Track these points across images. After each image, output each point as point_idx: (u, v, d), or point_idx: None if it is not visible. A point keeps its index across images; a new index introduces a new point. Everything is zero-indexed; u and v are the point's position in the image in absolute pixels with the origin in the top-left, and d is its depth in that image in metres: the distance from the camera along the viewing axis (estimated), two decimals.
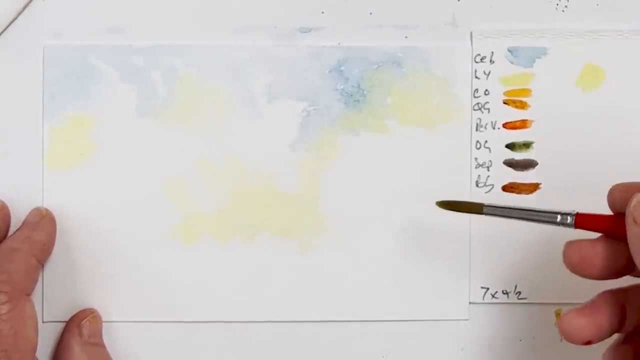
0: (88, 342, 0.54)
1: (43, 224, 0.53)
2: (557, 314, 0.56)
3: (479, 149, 0.55)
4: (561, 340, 0.56)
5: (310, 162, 0.55)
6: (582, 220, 0.47)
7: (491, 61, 0.55)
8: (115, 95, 0.55)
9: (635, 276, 0.47)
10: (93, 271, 0.55)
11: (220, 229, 0.55)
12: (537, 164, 0.55)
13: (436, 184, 0.55)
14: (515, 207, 0.48)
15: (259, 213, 0.55)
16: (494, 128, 0.55)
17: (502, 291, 0.55)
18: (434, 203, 0.50)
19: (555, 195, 0.55)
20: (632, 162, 0.55)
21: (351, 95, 0.55)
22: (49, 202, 0.54)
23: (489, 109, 0.55)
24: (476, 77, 0.55)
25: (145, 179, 0.55)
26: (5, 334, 0.49)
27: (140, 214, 0.55)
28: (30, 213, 0.54)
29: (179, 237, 0.55)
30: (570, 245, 0.47)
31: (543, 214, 0.47)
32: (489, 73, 0.55)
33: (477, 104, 0.55)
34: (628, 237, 0.44)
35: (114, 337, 0.55)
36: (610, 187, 0.47)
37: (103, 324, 0.55)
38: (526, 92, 0.55)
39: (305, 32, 0.55)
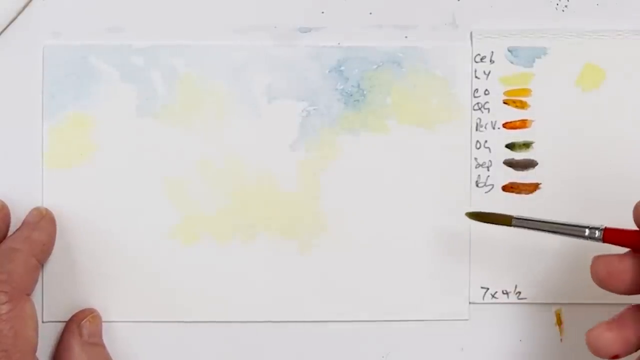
0: (88, 342, 0.54)
1: (43, 224, 0.53)
2: (557, 314, 0.56)
3: (479, 149, 0.55)
4: (561, 340, 0.56)
5: (310, 162, 0.55)
6: (610, 235, 0.47)
7: (491, 61, 0.55)
8: (115, 95, 0.55)
9: None
10: (93, 271, 0.55)
11: (220, 229, 0.55)
12: (537, 164, 0.55)
13: (436, 184, 0.55)
14: (543, 220, 0.49)
15: (259, 213, 0.55)
16: (494, 128, 0.55)
17: (502, 291, 0.55)
18: (464, 214, 0.51)
19: (555, 195, 0.55)
20: (632, 162, 0.55)
21: (351, 95, 0.55)
22: (49, 202, 0.54)
23: (489, 109, 0.55)
24: (476, 77, 0.55)
25: (145, 179, 0.55)
26: (5, 334, 0.49)
27: (140, 213, 0.55)
28: (30, 213, 0.54)
29: (179, 237, 0.55)
30: (597, 260, 0.47)
31: (571, 228, 0.48)
32: (489, 73, 0.55)
33: (477, 103, 0.55)
34: None
35: (114, 337, 0.55)
36: (636, 202, 0.47)
37: (103, 324, 0.55)
38: (526, 92, 0.55)
39: (305, 32, 0.55)
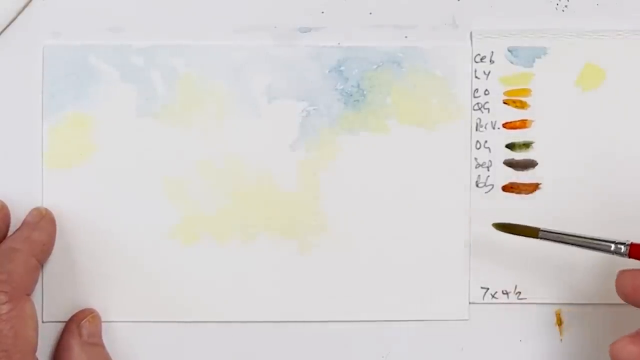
0: (87, 342, 0.54)
1: (43, 224, 0.53)
2: (557, 314, 0.56)
3: (479, 149, 0.55)
4: (561, 340, 0.56)
5: (310, 162, 0.55)
6: (636, 251, 0.48)
7: (491, 61, 0.55)
8: (115, 95, 0.55)
9: None
10: (93, 271, 0.55)
11: (220, 229, 0.55)
12: (537, 164, 0.55)
13: (436, 184, 0.55)
14: (569, 233, 0.50)
15: (259, 213, 0.55)
16: (494, 128, 0.55)
17: (502, 291, 0.55)
18: (491, 224, 0.52)
19: (555, 195, 0.55)
20: (632, 162, 0.55)
21: (351, 95, 0.55)
22: (49, 202, 0.54)
23: (489, 109, 0.55)
24: (476, 77, 0.55)
25: (145, 179, 0.55)
26: (5, 334, 0.49)
27: (140, 214, 0.55)
28: (30, 213, 0.54)
29: (179, 237, 0.55)
30: (623, 274, 0.48)
31: (597, 242, 0.49)
32: (489, 73, 0.55)
33: (477, 104, 0.55)
34: None
35: (114, 337, 0.55)
36: None
37: (102, 324, 0.55)
38: (526, 92, 0.55)
39: (305, 32, 0.55)
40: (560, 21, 0.56)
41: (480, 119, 0.55)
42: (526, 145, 0.55)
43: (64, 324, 0.54)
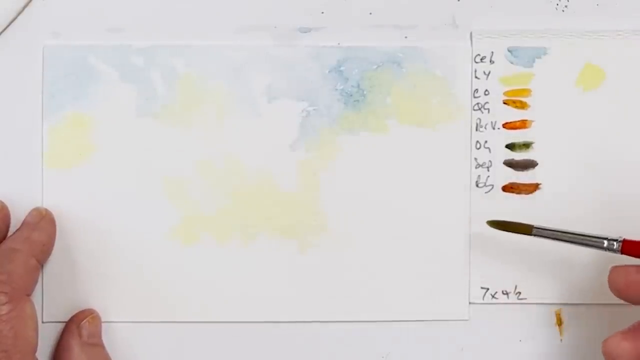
0: (87, 343, 0.54)
1: (43, 224, 0.53)
2: (557, 314, 0.56)
3: (479, 149, 0.55)
4: (561, 340, 0.56)
5: (310, 162, 0.55)
6: (629, 247, 0.48)
7: (491, 61, 0.55)
8: (114, 95, 0.55)
9: None
10: (93, 271, 0.55)
11: (220, 229, 0.55)
12: (537, 164, 0.55)
13: (436, 184, 0.55)
14: (562, 230, 0.50)
15: (259, 213, 0.55)
16: (494, 128, 0.55)
17: (502, 291, 0.55)
18: (485, 222, 0.53)
19: (555, 196, 0.55)
20: (632, 162, 0.55)
21: (351, 95, 0.55)
22: (49, 202, 0.54)
23: (488, 109, 0.55)
24: (476, 77, 0.55)
25: (145, 179, 0.55)
26: (5, 335, 0.49)
27: (140, 214, 0.55)
28: (30, 213, 0.54)
29: (179, 238, 0.55)
30: (615, 270, 0.48)
31: (590, 239, 0.50)
32: (489, 73, 0.55)
33: (477, 104, 0.55)
34: None
35: (114, 338, 0.55)
36: None
37: (102, 324, 0.55)
38: (526, 92, 0.55)
39: (305, 32, 0.55)
40: (560, 21, 0.56)
41: (480, 119, 0.55)
42: (526, 145, 0.55)
43: (64, 324, 0.54)
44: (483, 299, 0.55)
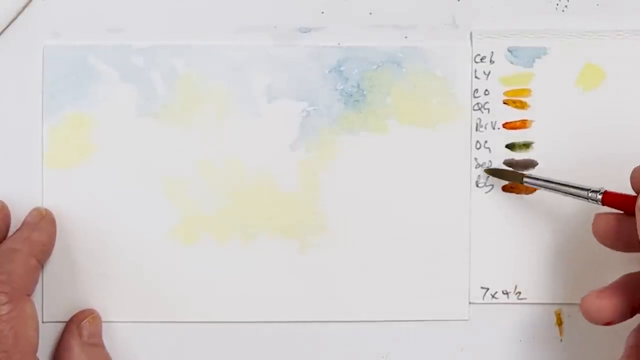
0: (88, 343, 0.54)
1: (43, 224, 0.53)
2: (557, 314, 0.56)
3: (479, 149, 0.55)
4: (561, 340, 0.56)
5: (310, 162, 0.55)
6: (609, 198, 0.50)
7: (491, 61, 0.55)
8: (115, 95, 0.55)
9: None
10: (93, 271, 0.55)
11: (220, 229, 0.55)
12: (537, 164, 0.55)
13: (436, 184, 0.55)
14: (549, 179, 0.52)
15: (259, 213, 0.55)
16: (494, 128, 0.55)
17: (502, 291, 0.55)
18: (482, 170, 0.55)
19: (556, 196, 0.55)
20: (631, 162, 0.55)
21: (351, 95, 0.55)
22: (49, 202, 0.54)
23: (488, 109, 0.55)
24: (476, 77, 0.55)
25: (145, 179, 0.55)
26: (5, 335, 0.49)
27: (140, 214, 0.55)
28: (30, 213, 0.54)
29: (179, 238, 0.55)
30: (599, 217, 0.50)
31: (574, 189, 0.51)
32: (489, 73, 0.55)
33: (477, 104, 0.55)
34: (637, 226, 0.47)
35: (114, 338, 0.55)
36: (633, 169, 0.49)
37: (103, 324, 0.55)
38: (526, 92, 0.55)
39: (305, 32, 0.55)
40: (560, 21, 0.56)
41: (480, 119, 0.55)
42: (526, 145, 0.55)
43: (64, 324, 0.54)
44: (483, 299, 0.55)
